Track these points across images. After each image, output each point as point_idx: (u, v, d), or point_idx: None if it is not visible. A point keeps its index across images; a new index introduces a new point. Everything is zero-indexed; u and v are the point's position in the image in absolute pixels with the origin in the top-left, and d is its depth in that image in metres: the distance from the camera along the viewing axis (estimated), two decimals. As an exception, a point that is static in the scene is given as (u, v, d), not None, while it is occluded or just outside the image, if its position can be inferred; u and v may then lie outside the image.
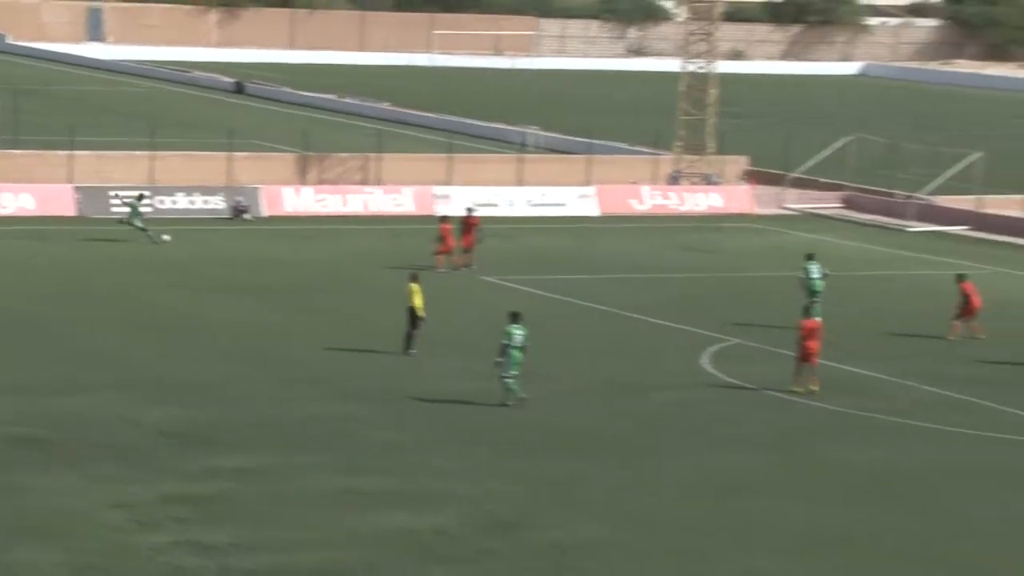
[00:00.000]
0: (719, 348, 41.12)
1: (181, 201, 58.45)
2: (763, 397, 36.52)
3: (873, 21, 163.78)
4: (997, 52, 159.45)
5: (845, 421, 34.82)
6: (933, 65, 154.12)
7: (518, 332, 34.36)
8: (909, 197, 65.43)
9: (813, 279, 43.81)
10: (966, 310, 42.71)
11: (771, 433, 33.64)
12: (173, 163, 62.13)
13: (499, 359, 34.36)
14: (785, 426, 34.29)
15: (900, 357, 40.86)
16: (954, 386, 38.01)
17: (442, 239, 49.42)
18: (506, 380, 34.22)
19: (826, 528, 27.65)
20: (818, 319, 37.23)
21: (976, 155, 66.91)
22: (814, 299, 43.26)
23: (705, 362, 39.61)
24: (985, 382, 38.62)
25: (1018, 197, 64.66)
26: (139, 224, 51.83)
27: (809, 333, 36.65)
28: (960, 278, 43.56)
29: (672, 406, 35.47)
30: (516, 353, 34.15)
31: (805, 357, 36.62)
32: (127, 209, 52.61)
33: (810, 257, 44.79)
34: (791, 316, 38.36)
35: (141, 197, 53.92)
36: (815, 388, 36.67)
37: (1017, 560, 26.50)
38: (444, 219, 50.78)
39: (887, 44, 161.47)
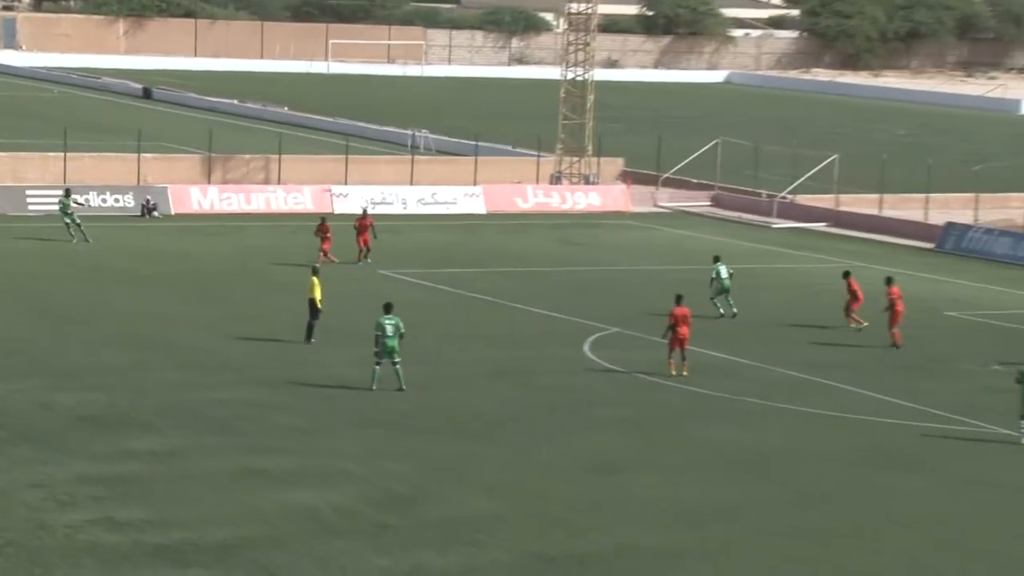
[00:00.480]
0: (599, 336, 41.29)
1: (93, 200, 57.92)
2: (639, 381, 36.70)
3: (737, 33, 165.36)
4: (850, 61, 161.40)
5: (714, 403, 35.08)
6: (792, 73, 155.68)
7: (388, 323, 34.19)
8: (772, 196, 65.93)
9: (723, 279, 43.94)
10: (852, 304, 42.69)
11: (646, 414, 33.85)
12: (85, 164, 61.74)
13: (377, 349, 34.16)
14: (659, 408, 34.50)
15: (765, 343, 41.14)
16: (813, 370, 38.36)
17: (324, 237, 49.05)
18: (376, 368, 34.06)
19: (696, 502, 27.88)
20: (687, 308, 37.42)
21: (833, 157, 67.59)
22: (724, 295, 43.66)
23: (586, 349, 39.74)
24: (843, 366, 38.95)
25: (871, 196, 65.35)
26: (74, 220, 51.16)
27: (679, 320, 36.84)
28: (846, 275, 43.62)
29: (555, 390, 35.57)
30: (389, 342, 33.92)
31: (676, 342, 36.73)
32: (64, 205, 51.86)
33: (717, 259, 45.03)
34: (665, 305, 38.49)
35: (68, 193, 53.10)
36: (686, 372, 36.89)
37: (869, 530, 26.74)
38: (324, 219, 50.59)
39: (750, 54, 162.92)
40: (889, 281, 42.43)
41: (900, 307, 41.46)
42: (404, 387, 34.14)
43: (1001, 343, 41.82)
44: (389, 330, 34.18)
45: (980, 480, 29.96)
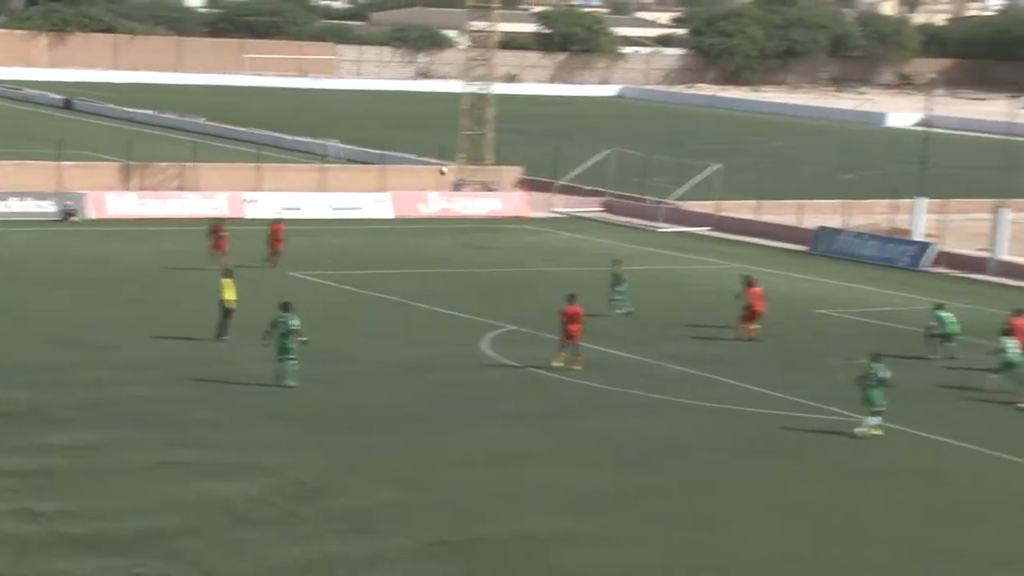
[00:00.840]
0: (497, 333, 41.20)
1: (14, 204, 57.09)
2: (535, 376, 36.68)
3: (628, 50, 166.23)
4: (732, 77, 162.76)
5: (606, 396, 35.11)
6: (679, 88, 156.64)
7: (284, 320, 33.86)
8: (659, 202, 66.12)
9: (623, 282, 43.86)
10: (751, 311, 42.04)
11: (541, 407, 33.81)
12: (7, 170, 60.90)
13: (264, 341, 33.86)
14: (554, 401, 34.48)
15: (652, 340, 41.27)
16: (697, 365, 38.53)
17: (217, 238, 48.50)
18: (279, 365, 33.73)
19: (589, 491, 27.87)
20: (579, 307, 37.44)
21: (716, 166, 67.96)
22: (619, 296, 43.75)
23: (485, 346, 39.65)
24: (724, 361, 39.14)
25: (750, 202, 65.75)
26: None
27: (570, 318, 36.82)
28: (748, 281, 42.92)
29: (456, 385, 35.44)
30: (284, 340, 33.58)
31: (568, 338, 36.67)
32: None
33: (617, 262, 44.99)
34: (560, 304, 38.51)
35: None
36: (579, 367, 36.92)
37: (749, 514, 26.86)
38: (220, 222, 49.92)
39: (640, 70, 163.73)
40: (749, 281, 42.39)
41: (758, 307, 41.40)
42: (294, 384, 33.60)
43: (869, 339, 42.33)
44: (286, 327, 33.66)
45: (847, 467, 30.16)
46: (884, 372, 31.76)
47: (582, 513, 26.57)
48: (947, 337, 39.97)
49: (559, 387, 35.72)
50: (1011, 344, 36.60)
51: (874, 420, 31.69)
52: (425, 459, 29.28)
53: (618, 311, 43.48)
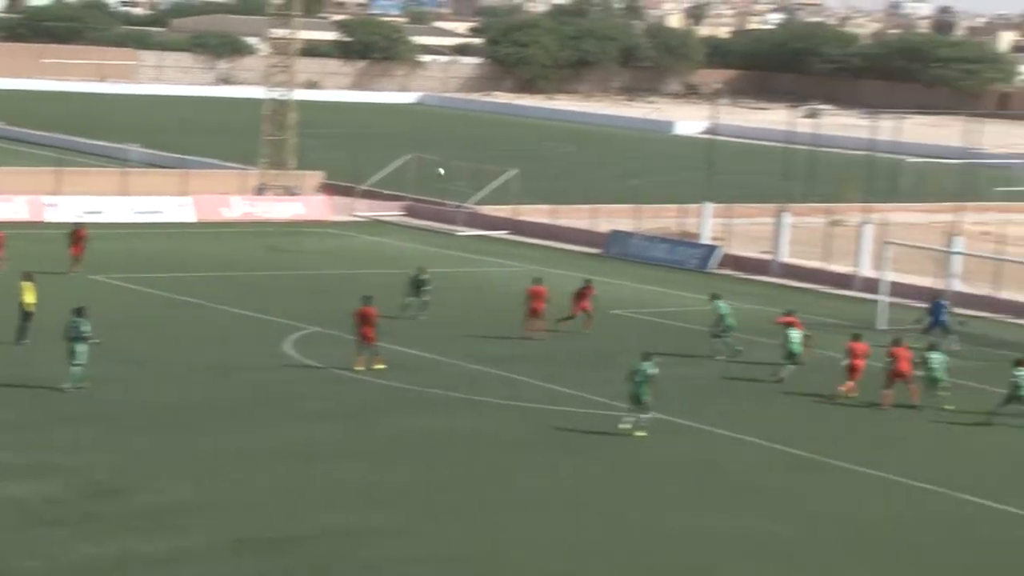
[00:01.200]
0: (299, 335, 40.82)
1: None
2: (336, 376, 36.39)
3: (426, 58, 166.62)
4: (528, 86, 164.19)
5: (406, 395, 35.01)
6: (476, 96, 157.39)
7: (75, 324, 33.31)
8: (458, 206, 66.11)
9: (425, 285, 43.88)
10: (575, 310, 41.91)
11: (342, 406, 33.57)
12: None
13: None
14: (355, 400, 34.27)
15: (451, 340, 41.28)
16: (494, 364, 38.59)
17: (75, 242, 48.15)
18: (72, 368, 33.15)
19: (388, 486, 27.75)
20: (373, 307, 37.23)
21: (513, 172, 68.23)
22: (422, 297, 43.70)
23: (287, 347, 39.26)
24: (520, 360, 39.29)
25: (546, 206, 66.14)
26: None
27: (363, 319, 36.52)
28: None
29: (259, 385, 35.03)
30: (74, 344, 33.01)
31: (363, 340, 36.50)
32: None
33: (421, 269, 44.75)
34: (358, 306, 38.27)
35: None
36: (381, 366, 36.72)
37: (537, 506, 26.97)
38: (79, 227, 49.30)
39: (439, 78, 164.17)
40: (537, 281, 42.80)
41: (537, 306, 41.60)
42: (71, 387, 32.79)
43: (661, 338, 42.86)
44: (76, 332, 33.05)
45: (637, 459, 30.52)
46: (652, 369, 32.11)
47: (382, 508, 26.43)
48: (725, 330, 40.60)
49: (360, 387, 35.51)
50: (795, 335, 37.78)
51: (642, 417, 31.95)
52: (227, 457, 28.85)
53: (421, 316, 43.26)
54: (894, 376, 36.13)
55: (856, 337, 37.49)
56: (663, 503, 27.62)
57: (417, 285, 43.97)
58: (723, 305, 41.08)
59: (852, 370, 36.43)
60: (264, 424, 31.51)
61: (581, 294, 43.33)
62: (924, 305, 45.42)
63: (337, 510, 26.23)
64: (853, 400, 36.50)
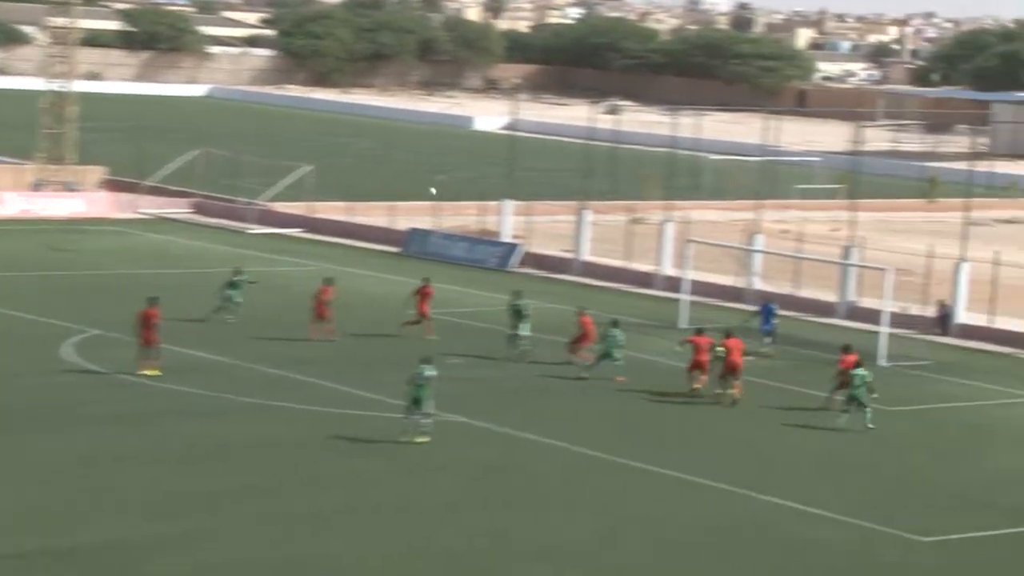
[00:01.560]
0: (80, 338, 40.00)
1: None
2: (119, 380, 35.82)
3: (216, 50, 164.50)
4: (322, 79, 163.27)
5: (193, 400, 34.53)
6: (269, 89, 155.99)
7: None
8: (250, 203, 65.34)
9: (234, 289, 43.30)
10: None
11: (126, 412, 33.01)
12: None
13: None
14: (139, 405, 33.71)
15: (241, 342, 40.77)
16: (288, 367, 38.33)
17: None
18: None
19: (176, 495, 27.38)
20: (157, 308, 36.58)
21: (307, 167, 67.80)
22: (235, 299, 43.22)
23: (67, 350, 38.52)
24: (313, 363, 39.08)
25: (342, 203, 65.79)
26: None
27: (144, 321, 36.10)
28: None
29: (37, 391, 34.28)
30: None
31: (146, 343, 36.12)
32: None
33: (237, 270, 44.30)
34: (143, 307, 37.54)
35: None
36: (154, 373, 35.92)
37: (327, 515, 26.92)
38: None
39: (229, 70, 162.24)
40: (328, 281, 42.76)
41: (322, 311, 41.50)
42: None
43: (462, 337, 42.83)
44: None
45: (433, 462, 30.66)
46: (431, 371, 32.14)
47: (170, 517, 26.09)
48: (517, 324, 40.67)
49: (144, 391, 34.90)
50: (619, 334, 38.66)
51: (423, 422, 31.94)
52: (6, 466, 28.23)
53: (228, 319, 42.52)
54: (728, 369, 36.89)
55: (700, 332, 38.28)
56: (462, 506, 27.69)
57: (232, 286, 43.25)
58: (524, 304, 41.23)
59: (699, 366, 37.32)
60: (44, 431, 30.94)
61: (422, 293, 43.24)
62: (753, 308, 46.26)
63: (122, 521, 25.76)
64: (677, 399, 37.24)
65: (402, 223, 62.52)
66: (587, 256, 58.70)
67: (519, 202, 63.03)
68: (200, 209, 66.82)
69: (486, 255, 59.22)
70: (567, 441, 32.88)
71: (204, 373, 36.91)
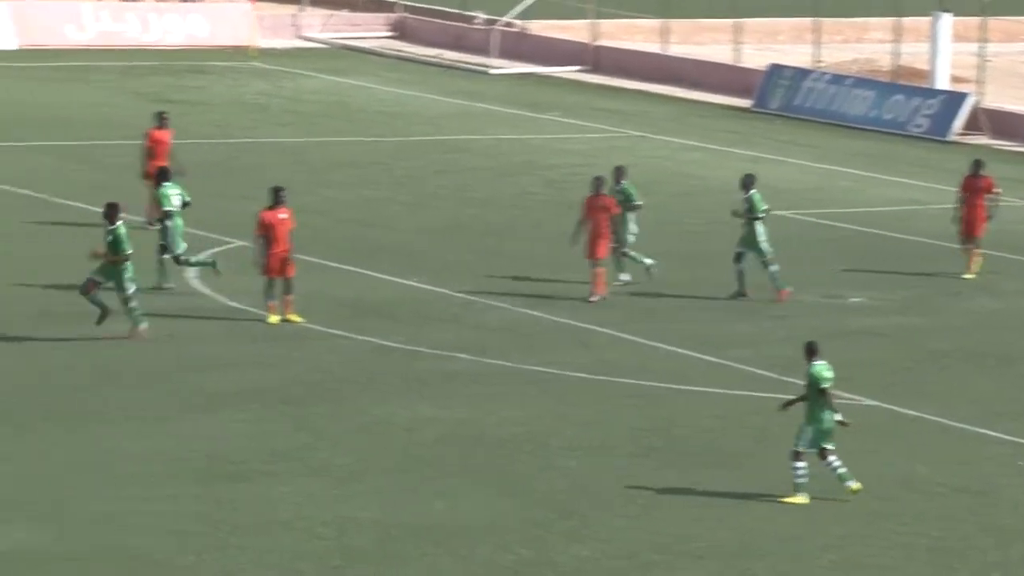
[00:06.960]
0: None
1: None
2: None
3: None
4: None
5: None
6: None
7: None
8: (491, 21, 65.67)
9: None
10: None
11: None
12: None
13: None
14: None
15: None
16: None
17: None
18: None
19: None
20: None
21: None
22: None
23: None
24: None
25: (647, 22, 63.65)
26: None
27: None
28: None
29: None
30: None
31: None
32: None
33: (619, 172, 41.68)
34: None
35: None
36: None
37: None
38: None
39: None
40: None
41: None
42: None
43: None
44: None
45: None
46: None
47: None
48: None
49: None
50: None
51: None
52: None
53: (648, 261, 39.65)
54: None
55: None
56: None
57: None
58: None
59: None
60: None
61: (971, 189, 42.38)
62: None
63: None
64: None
65: (752, 57, 61.59)
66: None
67: (961, 18, 60.88)
68: (404, 32, 67.53)
69: (906, 112, 57.78)
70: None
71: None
